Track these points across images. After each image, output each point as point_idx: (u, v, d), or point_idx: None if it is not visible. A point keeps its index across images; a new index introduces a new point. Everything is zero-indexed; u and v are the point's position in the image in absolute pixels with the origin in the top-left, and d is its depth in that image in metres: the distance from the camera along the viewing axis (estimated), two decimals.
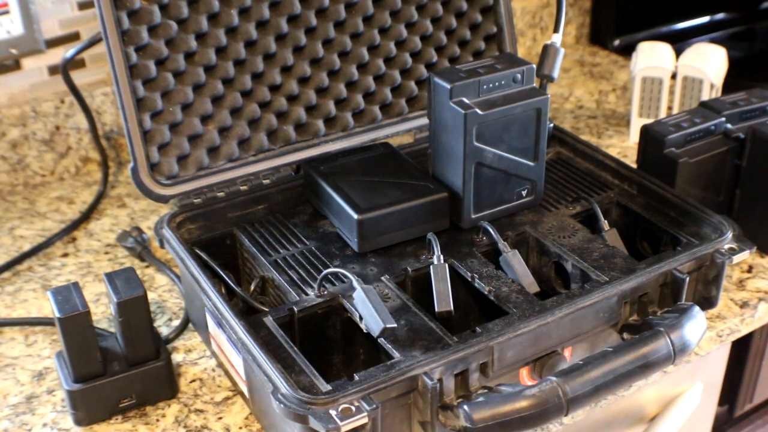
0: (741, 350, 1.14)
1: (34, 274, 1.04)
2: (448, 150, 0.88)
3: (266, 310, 0.80)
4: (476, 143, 0.86)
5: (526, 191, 0.92)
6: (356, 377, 0.69)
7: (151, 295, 0.99)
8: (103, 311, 0.97)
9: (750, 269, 1.01)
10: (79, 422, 0.82)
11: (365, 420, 0.66)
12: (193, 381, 0.87)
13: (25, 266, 1.05)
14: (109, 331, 0.92)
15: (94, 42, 1.06)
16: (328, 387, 0.69)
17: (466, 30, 1.06)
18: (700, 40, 1.63)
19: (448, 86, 0.85)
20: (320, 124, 0.99)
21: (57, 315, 0.76)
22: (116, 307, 0.78)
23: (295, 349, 0.74)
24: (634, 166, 1.01)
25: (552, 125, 1.05)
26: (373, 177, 0.91)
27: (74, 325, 0.77)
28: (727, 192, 1.01)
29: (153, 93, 0.90)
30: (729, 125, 0.99)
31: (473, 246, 0.87)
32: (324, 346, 0.81)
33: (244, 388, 0.81)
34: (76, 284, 0.79)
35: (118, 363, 0.81)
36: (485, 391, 0.72)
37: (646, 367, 0.73)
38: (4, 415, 0.84)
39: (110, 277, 0.80)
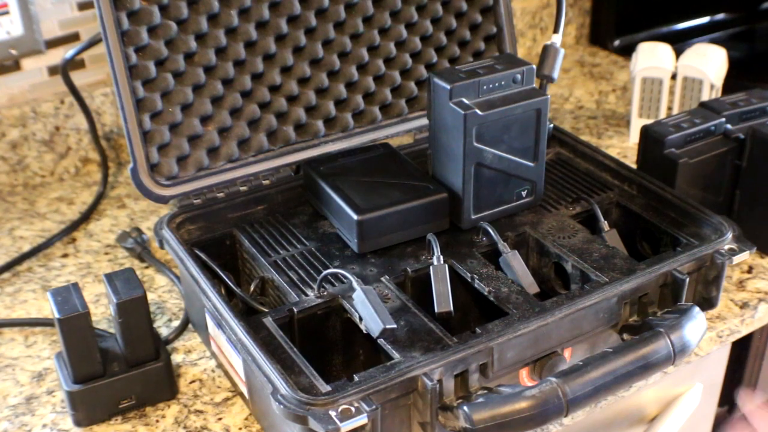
0: (741, 351, 1.14)
1: (34, 274, 1.04)
2: (448, 150, 0.88)
3: (266, 310, 0.80)
4: (476, 144, 0.86)
5: (525, 192, 0.92)
6: (356, 378, 0.69)
7: (151, 296, 0.99)
8: (102, 312, 0.97)
9: (750, 270, 1.01)
10: (78, 423, 0.82)
11: (365, 421, 0.66)
12: (193, 382, 0.87)
13: (25, 267, 1.05)
14: (108, 332, 0.92)
15: (93, 42, 1.06)
16: (328, 388, 0.69)
17: (466, 30, 1.06)
18: (700, 40, 1.63)
19: (448, 87, 0.85)
20: (320, 124, 0.99)
21: (57, 316, 0.76)
22: (116, 308, 0.78)
23: (295, 349, 0.74)
24: (634, 166, 1.00)
25: (552, 126, 1.05)
26: (373, 178, 0.91)
27: (74, 325, 0.77)
28: (727, 192, 1.01)
29: (153, 93, 0.90)
30: (729, 126, 0.99)
31: (473, 247, 0.87)
32: (324, 347, 0.81)
33: (244, 389, 0.81)
34: (75, 285, 0.79)
35: (117, 364, 0.81)
36: (485, 391, 0.72)
37: (646, 368, 0.73)
38: (3, 415, 0.84)
39: (110, 277, 0.80)
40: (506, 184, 0.90)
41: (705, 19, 1.71)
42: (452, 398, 0.72)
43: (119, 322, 0.79)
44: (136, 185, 0.90)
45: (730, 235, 0.85)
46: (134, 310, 0.79)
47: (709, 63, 1.22)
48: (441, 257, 0.83)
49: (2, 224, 1.13)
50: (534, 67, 0.89)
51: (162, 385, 0.84)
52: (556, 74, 0.99)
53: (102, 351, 0.81)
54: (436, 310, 0.79)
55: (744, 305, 0.96)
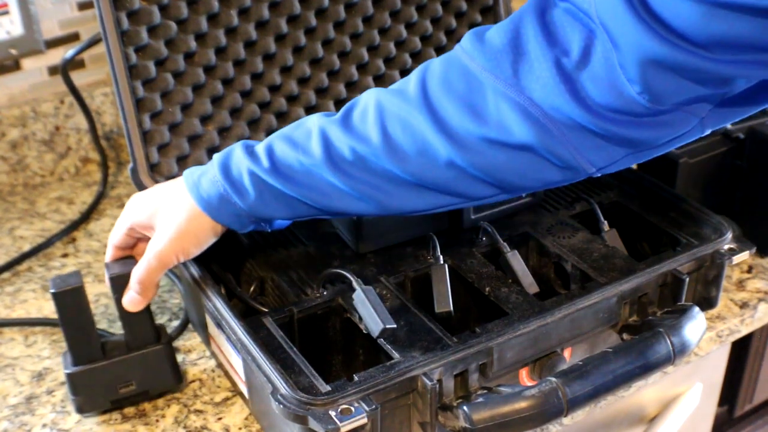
0: (741, 351, 1.14)
1: (34, 274, 1.04)
2: None
3: (266, 310, 0.80)
4: None
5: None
6: (356, 378, 0.69)
7: None
8: (102, 312, 0.97)
9: (750, 269, 1.01)
10: (80, 409, 0.81)
11: (365, 421, 0.66)
12: (193, 381, 0.87)
13: (25, 267, 1.05)
14: (108, 332, 0.92)
15: (93, 42, 1.06)
16: (328, 388, 0.69)
17: (466, 30, 1.06)
18: None
19: None
20: None
21: (51, 290, 0.76)
22: (111, 284, 0.78)
23: (295, 349, 0.74)
24: (634, 166, 1.00)
25: None
26: None
27: (69, 300, 0.77)
28: (727, 192, 1.01)
29: (152, 93, 0.90)
30: (729, 125, 0.99)
31: (473, 246, 0.87)
32: (323, 347, 0.81)
33: (244, 389, 0.81)
34: (77, 272, 0.79)
35: (118, 349, 0.81)
36: (485, 391, 0.72)
37: (645, 368, 0.73)
38: (3, 415, 0.84)
39: (109, 265, 0.80)
40: None
41: None
42: (452, 398, 0.72)
43: (115, 298, 0.79)
44: (136, 185, 0.90)
45: (729, 235, 0.85)
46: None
47: None
48: (441, 257, 0.83)
49: (2, 224, 1.13)
50: None
51: (163, 371, 0.83)
52: None
53: (102, 339, 0.81)
54: (435, 310, 0.79)
55: (744, 305, 0.96)
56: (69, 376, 0.80)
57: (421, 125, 0.67)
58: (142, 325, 0.81)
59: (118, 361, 0.81)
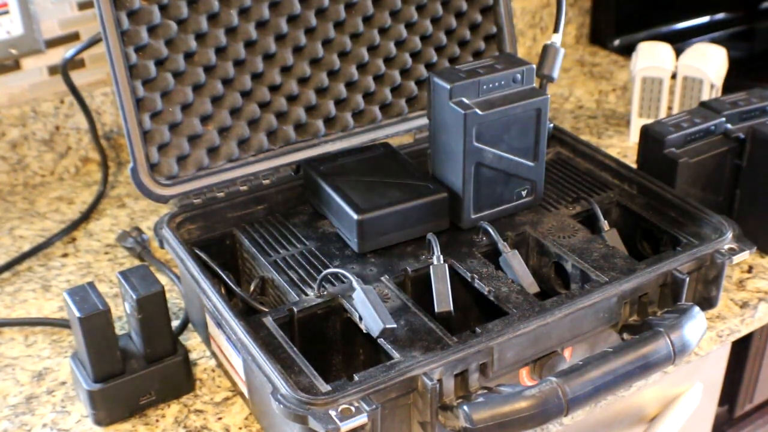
0: (741, 350, 1.14)
1: (34, 274, 1.04)
2: (448, 150, 0.88)
3: (266, 310, 0.80)
4: (476, 143, 0.86)
5: (525, 191, 0.92)
6: (356, 378, 0.69)
7: None
8: None
9: (750, 269, 1.01)
10: (99, 422, 0.81)
11: (365, 420, 0.66)
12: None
13: (25, 266, 1.05)
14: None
15: (93, 42, 1.06)
16: (328, 387, 0.69)
17: (466, 30, 1.06)
18: (700, 40, 1.63)
19: (448, 86, 0.85)
20: (320, 124, 0.99)
21: (77, 315, 0.75)
22: (136, 304, 0.78)
23: (295, 349, 0.74)
24: (634, 166, 1.00)
25: (552, 125, 1.05)
26: (373, 177, 0.91)
27: (95, 324, 0.77)
28: (727, 192, 1.01)
29: (153, 93, 0.90)
30: (729, 125, 0.99)
31: (473, 246, 0.87)
32: (324, 347, 0.81)
33: (244, 389, 0.81)
34: (91, 284, 0.79)
35: (136, 361, 0.81)
36: (485, 391, 0.72)
37: (646, 368, 0.73)
38: (3, 415, 0.84)
39: (125, 275, 0.80)
40: (506, 184, 0.90)
41: (705, 19, 1.71)
42: (452, 398, 0.72)
43: (138, 318, 0.79)
44: (136, 185, 0.90)
45: (730, 235, 0.85)
46: (154, 305, 0.79)
47: (709, 63, 1.22)
48: (441, 257, 0.83)
49: (2, 224, 1.13)
50: (534, 66, 0.89)
51: (181, 379, 0.84)
52: (556, 74, 0.99)
53: (120, 349, 0.81)
54: (436, 310, 0.79)
55: (744, 305, 0.96)
56: (90, 393, 0.79)
57: None
58: (161, 338, 0.81)
59: (139, 375, 0.81)
